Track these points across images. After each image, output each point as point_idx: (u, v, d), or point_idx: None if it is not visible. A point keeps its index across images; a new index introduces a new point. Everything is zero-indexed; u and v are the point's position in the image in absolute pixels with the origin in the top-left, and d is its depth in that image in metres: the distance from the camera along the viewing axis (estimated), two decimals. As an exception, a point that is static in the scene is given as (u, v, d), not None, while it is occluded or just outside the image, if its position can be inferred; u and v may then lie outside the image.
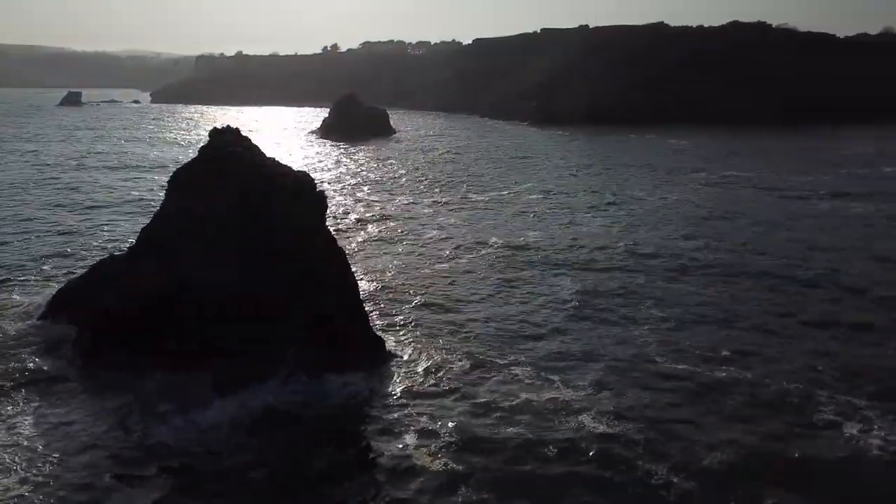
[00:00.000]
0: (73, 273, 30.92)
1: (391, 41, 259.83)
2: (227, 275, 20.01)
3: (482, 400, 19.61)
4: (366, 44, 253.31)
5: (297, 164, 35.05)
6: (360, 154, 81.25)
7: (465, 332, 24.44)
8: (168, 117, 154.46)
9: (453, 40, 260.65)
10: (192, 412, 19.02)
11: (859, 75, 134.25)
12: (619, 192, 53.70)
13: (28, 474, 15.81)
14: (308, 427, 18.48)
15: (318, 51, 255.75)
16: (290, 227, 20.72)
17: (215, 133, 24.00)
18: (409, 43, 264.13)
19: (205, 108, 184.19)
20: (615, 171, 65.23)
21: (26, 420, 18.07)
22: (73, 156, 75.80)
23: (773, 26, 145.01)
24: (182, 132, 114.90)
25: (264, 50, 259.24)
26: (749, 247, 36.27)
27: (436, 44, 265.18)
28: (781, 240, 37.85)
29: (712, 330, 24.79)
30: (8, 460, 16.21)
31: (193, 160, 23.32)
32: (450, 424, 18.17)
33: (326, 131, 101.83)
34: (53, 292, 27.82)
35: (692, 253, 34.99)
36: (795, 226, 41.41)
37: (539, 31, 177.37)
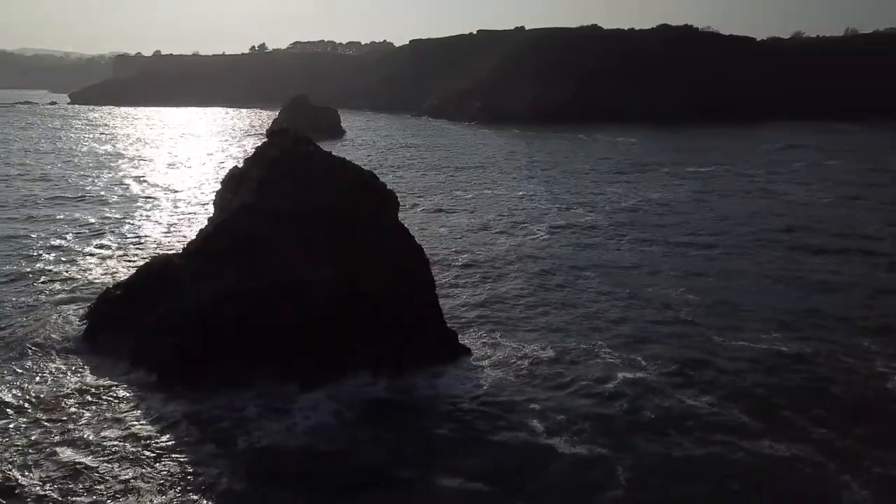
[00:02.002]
0: (76, 278, 29.89)
1: (322, 41, 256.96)
2: (325, 274, 20.14)
3: (565, 385, 20.49)
4: (296, 44, 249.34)
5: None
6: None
7: (521, 322, 25.35)
8: (107, 118, 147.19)
9: (384, 41, 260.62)
10: (290, 413, 19.11)
11: (774, 76, 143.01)
12: (602, 188, 55.76)
13: (156, 485, 15.67)
14: (408, 420, 18.93)
15: (246, 51, 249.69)
16: (380, 225, 21.07)
17: (274, 133, 23.99)
18: (340, 44, 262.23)
19: (137, 109, 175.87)
20: (587, 168, 67.44)
21: (130, 436, 17.65)
22: (23, 160, 71.76)
23: (699, 29, 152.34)
24: (140, 131, 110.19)
25: (184, 50, 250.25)
26: (760, 228, 38.98)
27: (366, 44, 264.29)
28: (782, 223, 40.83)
29: (761, 308, 26.60)
30: (128, 477, 15.94)
31: (258, 160, 23.17)
32: (538, 409, 18.96)
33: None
34: (74, 298, 27.00)
35: (708, 238, 37.28)
36: (779, 211, 44.42)
37: (475, 32, 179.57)
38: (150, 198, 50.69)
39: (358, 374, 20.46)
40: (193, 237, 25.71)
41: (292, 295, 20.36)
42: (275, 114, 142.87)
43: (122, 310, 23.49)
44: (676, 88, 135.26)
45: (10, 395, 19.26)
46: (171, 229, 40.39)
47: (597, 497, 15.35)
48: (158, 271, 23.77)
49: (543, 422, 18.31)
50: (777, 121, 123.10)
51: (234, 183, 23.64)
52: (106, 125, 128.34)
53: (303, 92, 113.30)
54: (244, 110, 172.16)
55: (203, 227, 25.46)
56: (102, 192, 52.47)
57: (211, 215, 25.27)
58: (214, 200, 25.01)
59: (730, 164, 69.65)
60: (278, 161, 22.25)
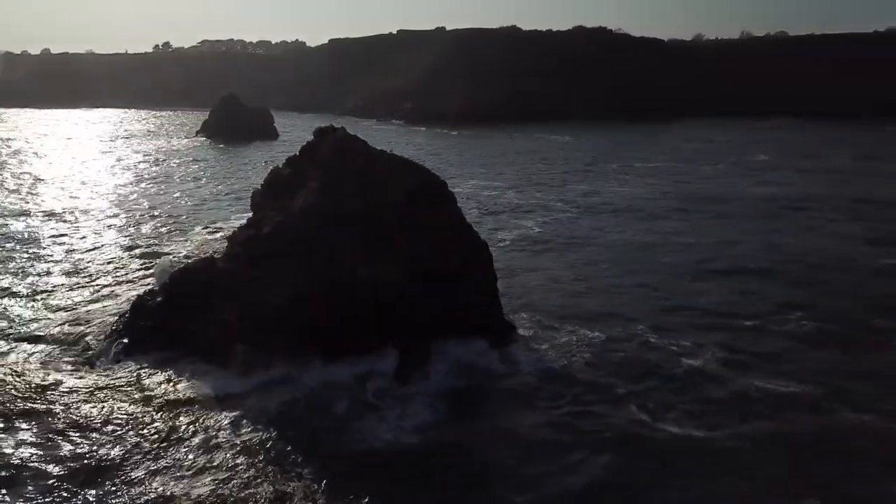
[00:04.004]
0: (66, 288, 28.20)
1: (231, 40, 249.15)
2: (398, 271, 20.29)
3: (617, 371, 21.41)
4: (204, 42, 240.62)
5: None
6: (261, 159, 78.29)
7: (570, 310, 26.14)
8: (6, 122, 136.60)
9: (296, 40, 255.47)
10: (381, 409, 19.22)
11: (700, 79, 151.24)
12: (560, 181, 57.60)
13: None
14: (502, 409, 19.62)
15: (149, 49, 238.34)
16: (445, 222, 21.43)
17: (322, 132, 23.83)
18: (250, 42, 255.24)
19: (36, 112, 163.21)
20: (539, 164, 69.30)
21: (224, 446, 17.17)
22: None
23: (613, 31, 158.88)
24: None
25: (77, 49, 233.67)
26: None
27: (277, 43, 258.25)
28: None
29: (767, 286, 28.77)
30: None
31: (311, 160, 22.93)
32: (624, 393, 19.96)
33: (208, 135, 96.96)
34: (80, 317, 25.54)
35: (672, 225, 39.50)
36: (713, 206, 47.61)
37: (396, 32, 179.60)
38: (88, 204, 48.26)
39: (438, 367, 20.76)
40: (226, 240, 25.14)
41: (366, 292, 20.40)
42: (188, 113, 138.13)
43: (165, 318, 22.62)
44: (605, 90, 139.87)
45: (93, 432, 17.52)
46: (120, 238, 38.76)
47: (714, 474, 16.37)
48: (204, 274, 23.02)
49: (637, 406, 19.22)
50: (702, 119, 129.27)
51: (283, 184, 23.26)
52: (9, 129, 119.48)
53: (214, 92, 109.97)
54: (155, 111, 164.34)
55: (240, 227, 24.78)
56: (25, 203, 49.33)
57: (251, 216, 24.59)
58: (255, 202, 24.44)
59: (673, 158, 73.55)
60: (336, 160, 22.13)
